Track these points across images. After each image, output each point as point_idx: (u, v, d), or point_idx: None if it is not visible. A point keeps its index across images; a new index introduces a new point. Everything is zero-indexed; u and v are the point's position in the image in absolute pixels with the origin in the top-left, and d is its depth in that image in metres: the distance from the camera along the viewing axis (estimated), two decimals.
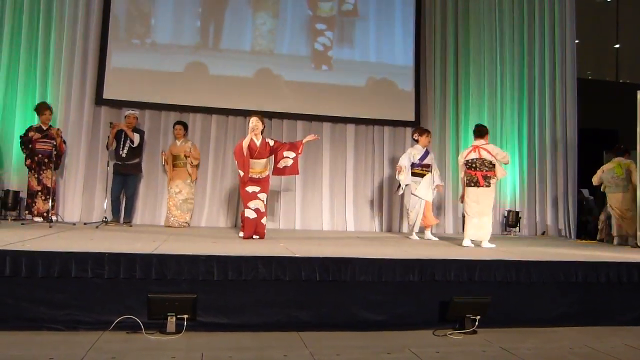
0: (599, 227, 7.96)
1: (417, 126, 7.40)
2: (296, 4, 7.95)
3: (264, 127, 5.63)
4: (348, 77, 8.01)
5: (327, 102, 7.91)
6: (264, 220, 5.56)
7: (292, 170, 5.77)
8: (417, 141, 6.70)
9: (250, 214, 5.46)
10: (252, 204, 5.48)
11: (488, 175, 5.58)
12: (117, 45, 7.37)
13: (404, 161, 6.54)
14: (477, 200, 5.63)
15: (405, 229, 8.04)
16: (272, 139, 5.77)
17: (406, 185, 6.56)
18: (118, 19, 7.40)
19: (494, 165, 5.60)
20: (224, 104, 7.61)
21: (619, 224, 6.95)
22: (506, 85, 8.61)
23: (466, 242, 5.62)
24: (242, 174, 5.49)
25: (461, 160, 5.83)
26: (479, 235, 5.62)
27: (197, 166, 7.19)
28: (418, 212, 6.52)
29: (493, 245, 5.59)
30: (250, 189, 5.50)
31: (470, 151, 5.76)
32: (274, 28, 7.87)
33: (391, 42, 8.26)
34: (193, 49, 7.58)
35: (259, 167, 5.56)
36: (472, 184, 5.65)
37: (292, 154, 5.68)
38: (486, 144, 5.73)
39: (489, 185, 5.58)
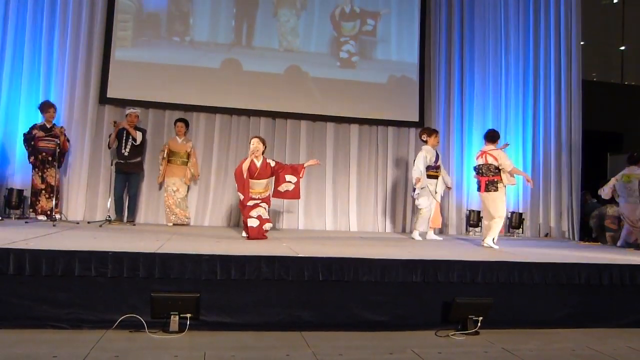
0: (591, 225, 7.97)
1: (425, 126, 7.40)
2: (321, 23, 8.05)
3: (265, 148, 5.68)
4: (364, 75, 8.10)
5: (333, 102, 7.94)
6: (267, 226, 5.56)
7: (294, 194, 5.81)
8: (425, 142, 6.72)
9: (253, 222, 5.45)
10: (254, 212, 5.50)
11: (495, 180, 5.67)
12: (122, 44, 7.40)
13: (421, 165, 6.47)
14: (484, 204, 5.82)
15: (408, 229, 8.08)
16: (273, 160, 5.80)
17: (422, 188, 6.52)
18: (124, 17, 7.44)
19: (500, 170, 5.65)
20: (231, 103, 7.64)
21: (629, 231, 6.94)
22: (511, 86, 8.61)
23: (488, 241, 5.74)
24: (242, 197, 5.53)
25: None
26: (485, 234, 5.78)
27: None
28: (430, 212, 6.59)
29: (496, 247, 5.63)
30: (251, 202, 5.54)
31: (478, 156, 5.91)
32: (296, 26, 7.98)
33: (406, 44, 8.34)
34: (228, 47, 7.69)
35: (260, 187, 5.61)
36: (479, 189, 5.89)
37: (294, 179, 5.72)
38: (494, 149, 5.79)
39: (496, 190, 5.66)
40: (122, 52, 7.39)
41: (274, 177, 5.77)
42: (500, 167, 5.66)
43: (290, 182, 5.70)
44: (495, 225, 5.69)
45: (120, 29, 7.41)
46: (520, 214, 8.26)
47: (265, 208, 5.59)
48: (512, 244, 6.41)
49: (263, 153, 5.64)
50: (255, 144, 5.54)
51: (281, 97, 7.79)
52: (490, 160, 5.69)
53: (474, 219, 8.01)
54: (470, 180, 8.25)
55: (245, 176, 5.45)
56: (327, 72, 7.97)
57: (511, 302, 4.23)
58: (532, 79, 8.64)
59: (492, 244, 5.66)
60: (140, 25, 7.51)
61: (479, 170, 5.81)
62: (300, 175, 5.77)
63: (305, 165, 5.86)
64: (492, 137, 5.88)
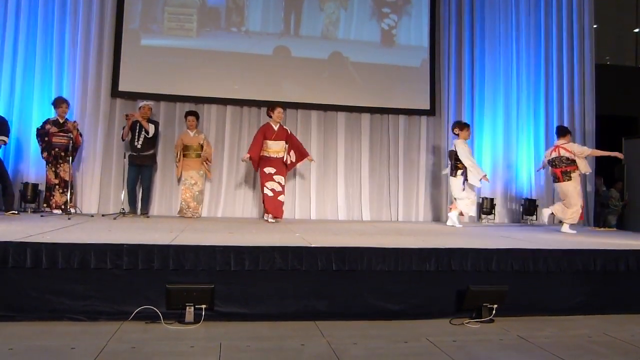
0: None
1: (457, 120, 7.38)
2: None
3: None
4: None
5: (344, 91, 7.91)
6: (280, 198, 6.51)
7: (299, 161, 6.91)
8: (457, 135, 6.85)
9: (267, 192, 6.46)
10: (269, 184, 6.46)
11: (568, 170, 6.33)
12: (134, 36, 7.42)
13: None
14: (562, 193, 6.44)
15: (425, 217, 8.03)
16: (287, 128, 6.74)
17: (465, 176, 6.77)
18: (134, 8, 7.47)
19: (573, 160, 6.32)
20: (240, 93, 7.64)
21: None
22: (522, 71, 8.48)
23: (564, 227, 6.34)
24: (248, 156, 6.49)
25: (545, 159, 6.75)
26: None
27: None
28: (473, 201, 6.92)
29: (573, 232, 6.24)
30: (267, 170, 6.49)
31: (552, 151, 6.56)
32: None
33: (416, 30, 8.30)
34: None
35: (276, 147, 6.54)
36: (555, 180, 6.53)
37: (294, 158, 6.78)
38: (566, 143, 6.44)
39: (570, 179, 6.32)
40: (149, 40, 7.52)
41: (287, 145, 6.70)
42: (575, 158, 6.27)
43: (291, 156, 6.75)
44: (568, 210, 6.28)
45: (186, 21, 7.62)
46: (534, 201, 8.18)
47: (279, 182, 6.49)
48: (525, 231, 6.36)
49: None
50: (279, 112, 6.60)
51: (292, 88, 7.78)
52: (563, 152, 6.36)
53: (487, 207, 7.95)
54: (483, 169, 8.19)
55: (262, 136, 6.48)
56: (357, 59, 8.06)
57: (526, 289, 4.19)
58: (543, 63, 8.48)
59: (568, 230, 6.25)
60: (203, 18, 7.70)
61: (553, 163, 6.46)
62: (296, 161, 6.84)
63: (298, 162, 6.90)
64: (561, 132, 6.57)
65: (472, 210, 6.90)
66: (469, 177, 6.68)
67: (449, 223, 6.81)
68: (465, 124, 6.96)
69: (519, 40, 8.51)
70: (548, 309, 4.18)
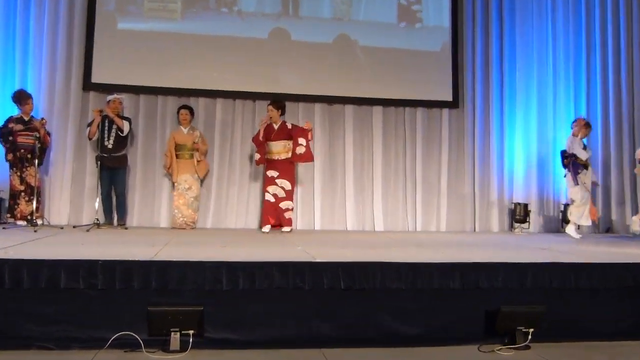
0: None
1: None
2: None
3: (280, 112, 6.72)
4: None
5: (353, 80, 7.94)
6: (283, 205, 6.57)
7: (307, 157, 6.74)
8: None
9: (269, 197, 6.60)
10: (271, 189, 6.60)
11: None
12: (110, 20, 7.45)
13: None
14: None
15: (448, 227, 8.00)
16: (291, 123, 6.84)
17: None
18: None
19: None
20: (231, 84, 7.66)
21: None
22: (560, 56, 8.44)
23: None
24: (257, 157, 6.77)
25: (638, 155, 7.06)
26: None
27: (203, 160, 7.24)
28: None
29: None
30: (269, 173, 6.66)
31: None
32: None
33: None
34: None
35: (277, 148, 6.69)
36: None
37: (304, 141, 6.64)
38: None
39: None
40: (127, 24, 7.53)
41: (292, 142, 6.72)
42: None
43: (302, 144, 6.63)
44: None
45: (169, 1, 7.62)
46: None
47: (283, 187, 6.58)
48: (567, 242, 6.33)
49: (282, 116, 6.75)
50: (269, 111, 6.66)
51: (292, 77, 7.81)
52: None
53: (521, 213, 7.92)
54: (516, 170, 8.15)
55: (261, 137, 6.65)
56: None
57: (567, 310, 4.16)
58: (584, 45, 8.42)
59: None
60: None
61: None
62: (309, 137, 6.68)
63: (309, 129, 6.71)
64: None
65: (582, 220, 7.00)
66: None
67: (568, 231, 7.05)
68: (584, 120, 7.28)
69: (555, 19, 8.46)
70: (593, 333, 4.16)
